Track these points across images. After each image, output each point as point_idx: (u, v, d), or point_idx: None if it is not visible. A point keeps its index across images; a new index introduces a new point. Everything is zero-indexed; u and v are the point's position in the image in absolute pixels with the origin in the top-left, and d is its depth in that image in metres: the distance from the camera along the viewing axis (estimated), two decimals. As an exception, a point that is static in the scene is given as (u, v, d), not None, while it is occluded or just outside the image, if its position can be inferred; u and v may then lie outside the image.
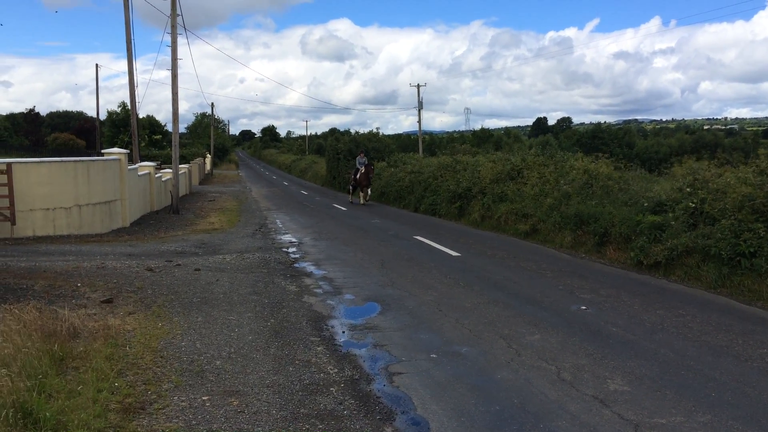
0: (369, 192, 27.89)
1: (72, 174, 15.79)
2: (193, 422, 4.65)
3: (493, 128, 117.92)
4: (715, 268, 9.36)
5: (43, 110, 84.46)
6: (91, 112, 72.19)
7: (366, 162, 28.08)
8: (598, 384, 5.43)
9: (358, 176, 27.99)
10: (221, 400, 5.09)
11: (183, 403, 4.99)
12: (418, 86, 56.28)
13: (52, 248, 13.33)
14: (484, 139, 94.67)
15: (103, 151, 19.21)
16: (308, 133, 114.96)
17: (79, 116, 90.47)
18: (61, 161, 16.23)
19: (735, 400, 5.05)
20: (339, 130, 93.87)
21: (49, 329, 6.27)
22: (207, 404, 4.99)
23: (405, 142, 78.81)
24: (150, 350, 6.29)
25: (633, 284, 9.72)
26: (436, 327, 7.33)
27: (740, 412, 4.82)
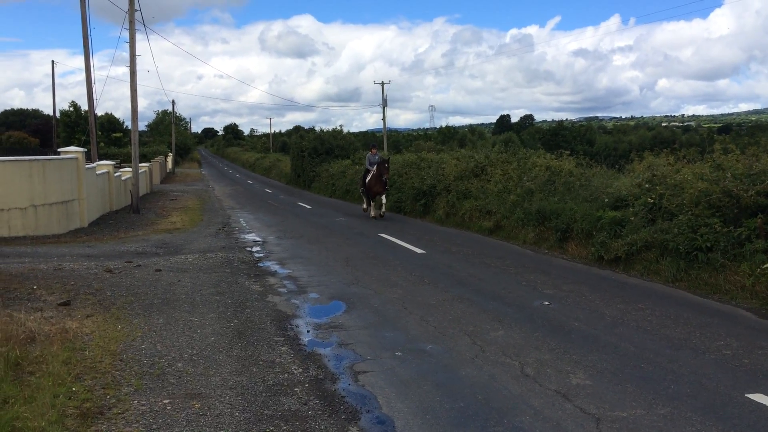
0: (384, 200, 20.34)
1: (27, 173, 15.35)
2: (154, 426, 4.56)
3: (457, 125, 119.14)
4: (673, 262, 9.56)
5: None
6: (47, 110, 70.37)
7: (379, 159, 20.43)
8: (560, 378, 5.49)
9: (368, 179, 20.44)
10: (183, 403, 5.00)
11: (143, 407, 4.89)
12: (383, 83, 56.53)
13: (7, 250, 12.94)
14: (448, 136, 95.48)
15: (59, 149, 18.74)
16: (272, 131, 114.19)
17: (35, 114, 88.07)
18: (16, 160, 15.77)
19: (693, 392, 5.16)
20: (303, 128, 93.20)
21: (3, 333, 6.09)
22: (168, 408, 4.90)
23: (370, 139, 78.21)
24: (109, 353, 6.15)
25: (594, 279, 9.88)
26: (401, 325, 7.32)
27: (698, 403, 4.92)
